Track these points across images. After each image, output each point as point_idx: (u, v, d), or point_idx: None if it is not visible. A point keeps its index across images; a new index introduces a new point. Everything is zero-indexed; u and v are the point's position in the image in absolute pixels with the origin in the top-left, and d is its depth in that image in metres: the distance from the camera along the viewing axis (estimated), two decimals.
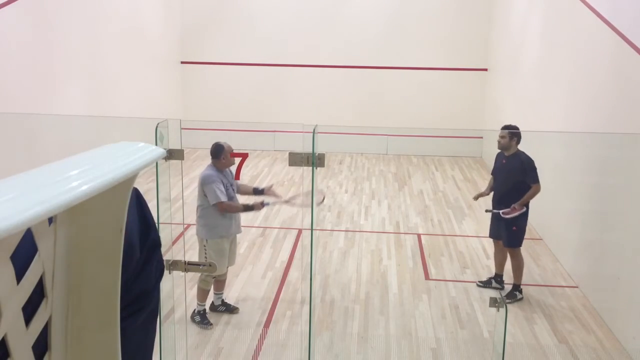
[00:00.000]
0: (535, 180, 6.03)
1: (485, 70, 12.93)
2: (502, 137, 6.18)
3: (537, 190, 6.05)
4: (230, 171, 5.55)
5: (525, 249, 7.59)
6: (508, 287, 6.35)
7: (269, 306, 5.90)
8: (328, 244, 7.65)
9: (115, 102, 9.78)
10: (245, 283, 6.41)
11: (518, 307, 5.99)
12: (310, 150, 3.41)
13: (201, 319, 5.53)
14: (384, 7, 13.08)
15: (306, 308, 5.34)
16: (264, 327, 5.50)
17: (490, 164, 10.43)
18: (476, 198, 6.67)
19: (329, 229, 8.26)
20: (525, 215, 6.11)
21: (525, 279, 6.70)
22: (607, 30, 6.26)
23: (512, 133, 6.15)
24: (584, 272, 6.50)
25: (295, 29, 13.19)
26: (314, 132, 3.51)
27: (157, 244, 1.16)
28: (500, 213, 6.06)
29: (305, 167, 3.44)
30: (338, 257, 7.25)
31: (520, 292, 6.24)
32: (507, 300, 5.94)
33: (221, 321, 5.57)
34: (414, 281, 6.58)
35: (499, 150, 6.31)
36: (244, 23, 13.22)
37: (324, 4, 13.13)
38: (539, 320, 5.74)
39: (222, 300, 5.76)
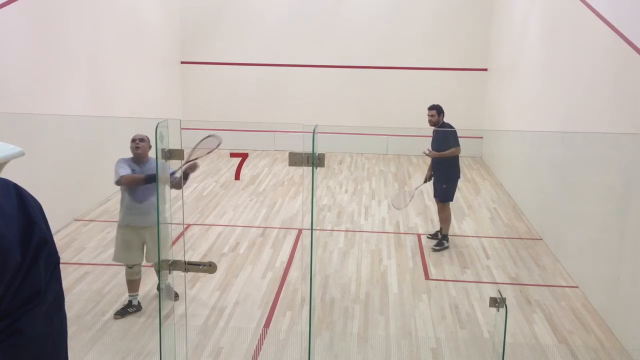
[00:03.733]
0: (456, 144, 7.40)
1: (485, 70, 12.93)
2: (431, 115, 7.44)
3: (455, 152, 7.42)
4: (150, 163, 5.51)
5: (525, 249, 7.62)
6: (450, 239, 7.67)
7: (269, 306, 5.90)
8: (328, 244, 7.65)
9: (115, 102, 9.78)
10: (245, 283, 6.41)
11: (518, 307, 6.00)
12: (310, 150, 3.41)
13: (121, 307, 5.65)
14: (384, 7, 13.08)
15: (306, 308, 5.34)
16: (264, 327, 5.50)
17: (491, 164, 10.41)
18: (427, 180, 7.86)
19: (329, 229, 8.26)
20: (451, 177, 7.53)
21: (525, 279, 6.73)
22: (606, 30, 6.26)
23: (438, 110, 7.42)
24: (584, 272, 6.50)
25: (295, 29, 13.19)
26: (314, 132, 3.51)
27: (43, 241, 1.11)
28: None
29: (305, 167, 3.43)
30: (338, 257, 7.25)
31: (447, 240, 7.57)
32: (437, 248, 7.46)
33: (221, 321, 5.57)
34: (414, 281, 6.58)
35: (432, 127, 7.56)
36: (244, 23, 13.22)
37: (324, 4, 13.13)
38: (539, 320, 5.74)
39: (130, 302, 5.67)
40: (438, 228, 7.88)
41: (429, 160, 7.92)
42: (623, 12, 6.04)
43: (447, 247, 7.51)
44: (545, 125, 8.36)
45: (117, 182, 5.49)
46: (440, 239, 7.59)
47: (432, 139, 7.64)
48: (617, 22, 6.06)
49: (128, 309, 5.62)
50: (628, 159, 5.68)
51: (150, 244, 5.55)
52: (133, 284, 5.68)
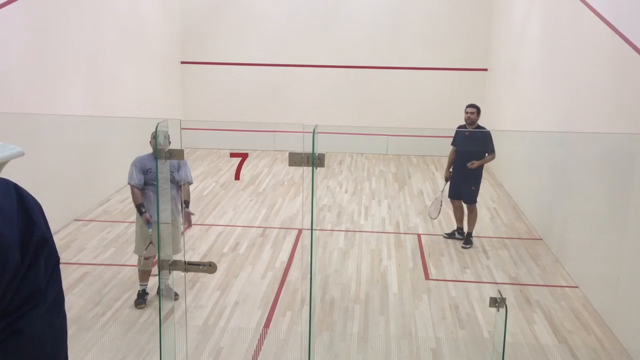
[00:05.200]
0: (494, 150, 7.56)
1: (485, 70, 12.93)
2: (471, 113, 7.56)
3: (494, 158, 7.65)
4: (174, 162, 5.53)
5: (525, 249, 7.62)
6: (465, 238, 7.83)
7: (269, 306, 5.90)
8: (328, 244, 7.65)
9: (115, 102, 9.78)
10: (245, 283, 6.41)
11: (518, 307, 6.00)
12: (310, 150, 3.41)
13: (137, 297, 5.83)
14: (384, 7, 13.08)
15: (306, 308, 5.34)
16: (264, 327, 5.50)
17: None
18: (448, 179, 7.82)
19: (329, 229, 8.26)
20: (479, 179, 7.66)
21: (525, 279, 6.73)
22: (607, 30, 6.26)
23: (478, 109, 7.60)
24: (584, 272, 6.51)
25: (295, 29, 13.19)
26: (314, 132, 3.51)
27: (43, 240, 1.11)
28: (467, 165, 7.45)
29: (305, 167, 3.44)
30: (338, 257, 7.25)
31: (472, 237, 7.75)
32: (466, 246, 7.61)
33: (221, 321, 5.57)
34: (414, 281, 6.58)
35: (461, 125, 7.76)
36: (244, 23, 13.22)
37: (324, 4, 13.13)
38: (539, 320, 5.74)
39: (143, 290, 5.86)
40: (455, 227, 7.99)
41: (429, 160, 7.97)
42: (623, 12, 6.04)
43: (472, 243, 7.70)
44: (545, 125, 8.36)
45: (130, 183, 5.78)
46: (468, 237, 7.70)
47: (460, 138, 7.69)
48: (617, 22, 6.07)
49: (144, 296, 5.85)
50: (628, 159, 5.68)
51: (171, 236, 5.69)
52: (145, 274, 5.87)
